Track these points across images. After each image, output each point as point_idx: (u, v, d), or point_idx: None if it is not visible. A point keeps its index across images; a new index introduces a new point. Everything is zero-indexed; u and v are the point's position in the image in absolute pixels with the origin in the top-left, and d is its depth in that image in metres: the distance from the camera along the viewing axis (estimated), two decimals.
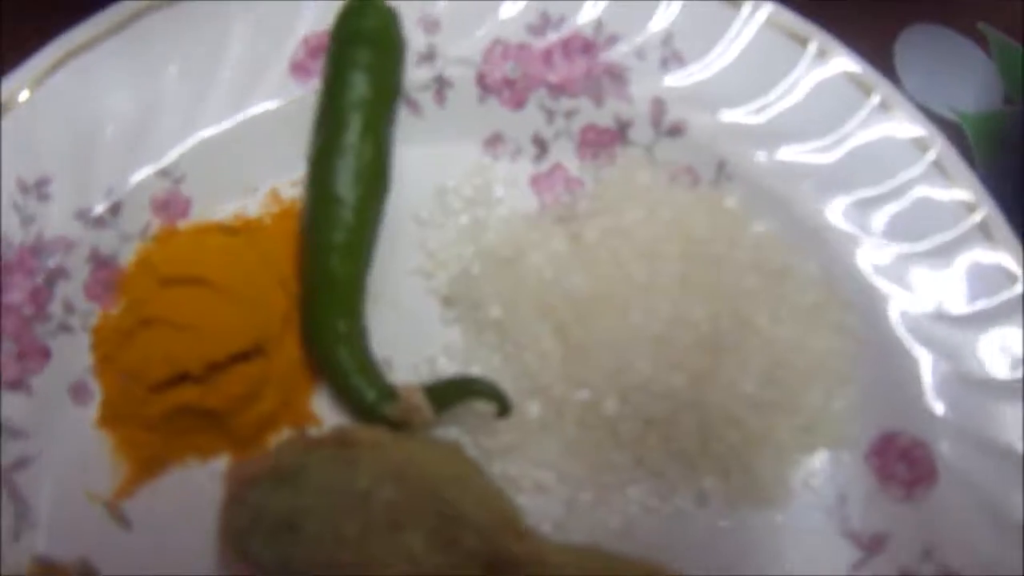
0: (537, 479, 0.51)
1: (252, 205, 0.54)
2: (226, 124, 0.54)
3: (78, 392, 0.52)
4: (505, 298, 0.52)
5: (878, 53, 0.65)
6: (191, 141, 0.53)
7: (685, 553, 0.52)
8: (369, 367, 0.50)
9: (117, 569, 0.51)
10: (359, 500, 0.44)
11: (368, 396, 0.49)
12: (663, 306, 0.51)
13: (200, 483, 0.51)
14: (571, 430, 0.51)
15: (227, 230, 0.53)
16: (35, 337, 0.52)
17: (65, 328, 0.52)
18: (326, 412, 0.52)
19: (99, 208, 0.52)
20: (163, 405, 0.50)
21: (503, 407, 0.50)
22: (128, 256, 0.53)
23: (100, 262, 0.53)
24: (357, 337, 0.50)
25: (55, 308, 0.52)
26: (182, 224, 0.54)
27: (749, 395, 0.51)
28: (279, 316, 0.51)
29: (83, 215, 0.52)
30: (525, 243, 0.53)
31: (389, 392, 0.49)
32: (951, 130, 0.65)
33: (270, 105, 0.54)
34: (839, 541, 0.54)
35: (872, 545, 0.54)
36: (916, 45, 0.65)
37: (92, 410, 0.52)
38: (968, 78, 0.66)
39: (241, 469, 0.46)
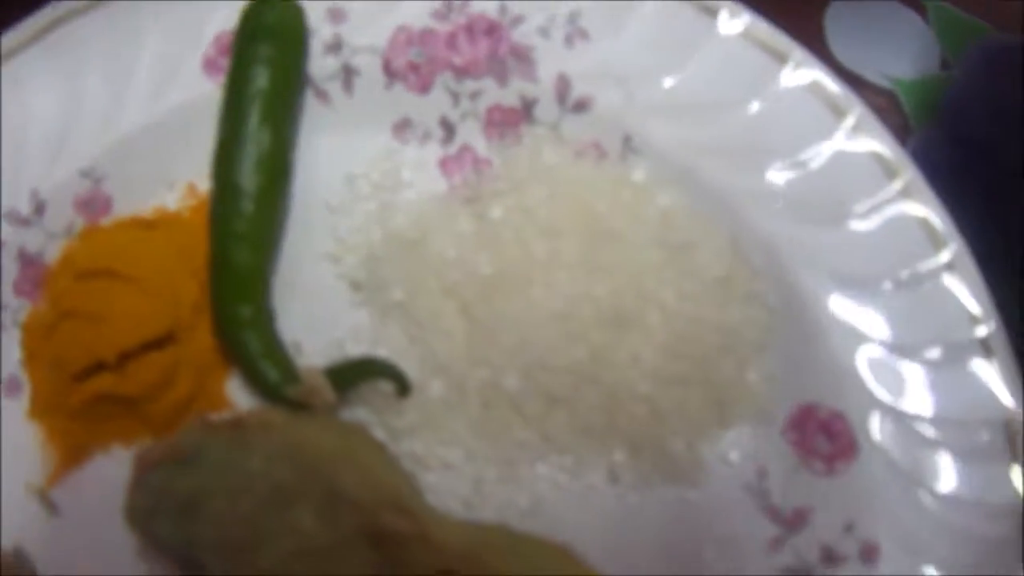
0: (443, 457, 0.51)
1: (171, 199, 0.55)
2: (143, 122, 0.55)
3: (11, 386, 0.54)
4: (409, 280, 0.52)
5: (807, 22, 0.63)
6: (110, 140, 0.55)
7: (596, 531, 0.51)
8: (274, 351, 0.51)
9: (47, 554, 0.53)
10: (252, 480, 0.45)
11: (272, 378, 0.50)
12: (564, 283, 0.50)
13: (123, 469, 0.52)
14: (475, 408, 0.51)
15: (144, 224, 0.54)
16: None
17: None
18: (240, 397, 0.53)
19: (25, 209, 0.54)
20: (84, 394, 0.51)
21: (403, 386, 0.50)
22: (54, 254, 0.55)
23: (27, 260, 0.54)
24: (262, 322, 0.51)
25: None
26: (104, 221, 0.55)
27: (654, 370, 0.50)
28: (191, 305, 0.52)
29: (11, 216, 0.54)
30: (431, 225, 0.53)
31: (292, 375, 0.50)
32: (886, 98, 0.63)
33: (185, 102, 0.55)
34: (758, 517, 0.52)
35: (793, 521, 0.52)
36: (847, 13, 0.64)
37: (24, 402, 0.54)
38: (903, 44, 0.64)
39: (146, 453, 0.47)
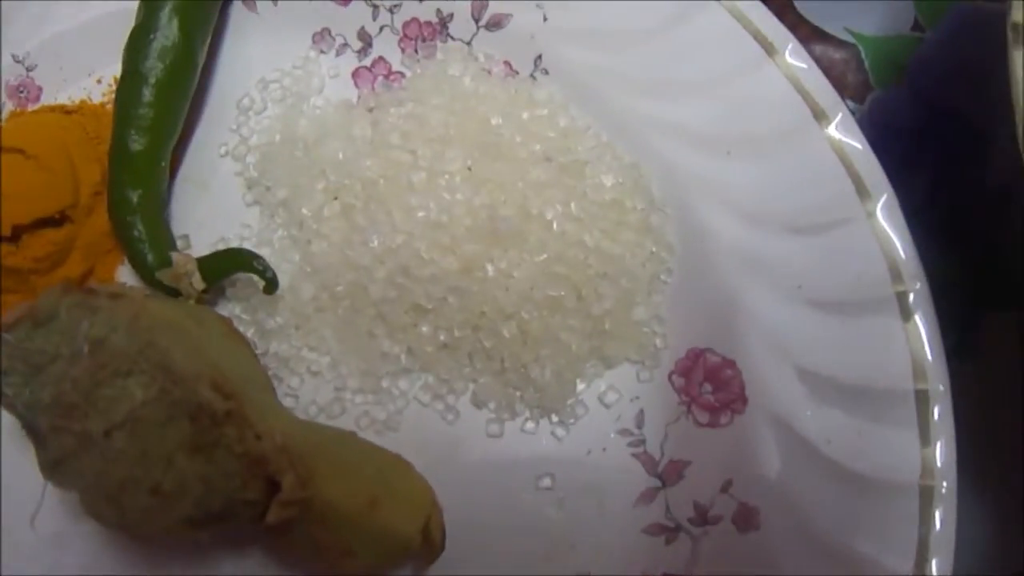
0: (309, 362, 0.49)
1: (97, 92, 0.56)
2: (76, 19, 0.55)
3: None
4: (296, 180, 0.50)
5: None
6: (44, 34, 0.55)
7: (451, 455, 0.48)
8: (157, 237, 0.50)
9: None
10: (91, 345, 0.44)
11: (148, 262, 0.49)
12: (444, 191, 0.47)
13: None
14: (342, 314, 0.48)
15: (64, 110, 0.54)
16: None
17: None
18: (131, 283, 0.52)
19: None
20: None
21: (269, 282, 0.48)
22: None
23: None
24: (150, 209, 0.50)
25: None
26: (32, 108, 0.56)
27: (527, 290, 0.46)
28: (91, 188, 0.52)
29: None
30: (328, 129, 0.51)
31: (167, 260, 0.49)
32: (847, 52, 0.58)
33: (117, 3, 0.55)
34: (631, 465, 0.47)
35: (667, 474, 0.47)
36: None
37: None
38: (874, 2, 0.58)
39: (10, 313, 0.47)
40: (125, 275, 0.52)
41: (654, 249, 0.48)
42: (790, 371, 0.46)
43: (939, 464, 0.44)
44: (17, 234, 0.51)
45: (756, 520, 0.45)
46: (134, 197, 0.50)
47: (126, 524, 0.44)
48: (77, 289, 0.46)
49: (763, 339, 0.46)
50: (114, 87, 0.55)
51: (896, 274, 0.46)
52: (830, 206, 0.47)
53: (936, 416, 0.45)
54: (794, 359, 0.46)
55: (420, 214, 0.47)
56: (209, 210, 0.52)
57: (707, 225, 0.48)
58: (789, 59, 0.49)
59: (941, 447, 0.44)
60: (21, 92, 0.56)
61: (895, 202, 0.47)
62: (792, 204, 0.48)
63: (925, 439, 0.44)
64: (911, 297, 0.46)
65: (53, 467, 0.45)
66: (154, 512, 0.43)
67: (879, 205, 0.47)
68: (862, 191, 0.47)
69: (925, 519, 0.44)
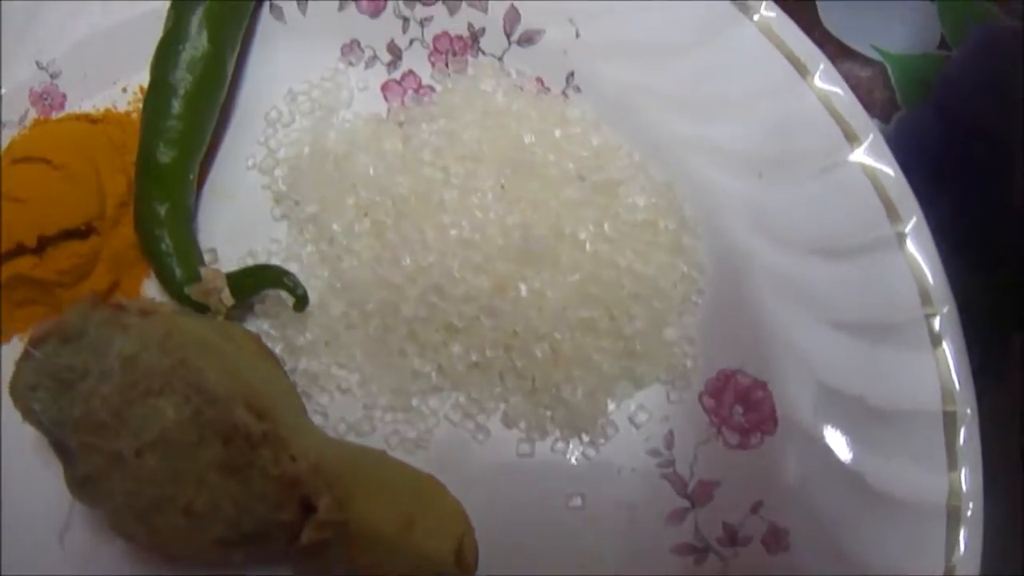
0: (338, 379, 0.48)
1: (122, 101, 0.55)
2: (102, 26, 0.54)
3: None
4: (326, 195, 0.49)
5: None
6: (69, 41, 0.54)
7: (481, 475, 0.47)
8: (185, 251, 0.49)
9: None
10: (122, 363, 0.43)
11: (176, 276, 0.48)
12: (476, 209, 0.47)
13: None
14: (373, 332, 0.47)
15: (89, 119, 0.53)
16: None
17: None
18: (157, 297, 0.51)
19: None
20: (1, 276, 0.50)
21: (299, 299, 0.47)
22: (5, 142, 0.54)
23: None
24: (178, 222, 0.49)
25: None
26: (56, 116, 0.54)
27: (560, 310, 0.46)
28: (117, 200, 0.51)
29: None
30: (358, 143, 0.50)
31: (196, 275, 0.48)
32: (873, 70, 0.57)
33: (144, 10, 0.54)
34: (660, 486, 0.47)
35: (697, 495, 0.47)
36: None
37: None
38: (901, 20, 0.58)
39: (38, 328, 0.46)
40: (151, 288, 0.51)
41: (686, 269, 0.47)
42: (821, 393, 0.46)
43: (965, 487, 0.44)
44: (42, 245, 0.50)
45: (786, 541, 0.45)
46: (161, 210, 0.49)
47: (156, 544, 0.43)
48: (106, 305, 0.45)
49: (794, 361, 0.46)
50: (139, 96, 0.54)
51: (926, 298, 0.46)
52: (860, 230, 0.47)
53: (963, 439, 0.45)
54: (824, 381, 0.46)
55: (452, 232, 0.46)
56: (236, 223, 0.51)
57: (739, 246, 0.48)
58: (820, 81, 0.49)
59: (967, 470, 0.44)
60: (45, 99, 0.54)
61: (924, 226, 0.47)
62: (823, 227, 0.47)
63: (952, 462, 0.44)
64: (939, 321, 0.46)
65: (82, 485, 0.45)
66: (185, 532, 0.42)
67: (909, 228, 0.47)
68: (892, 215, 0.47)
69: (951, 541, 0.44)
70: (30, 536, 0.49)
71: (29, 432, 0.49)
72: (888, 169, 0.48)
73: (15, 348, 0.52)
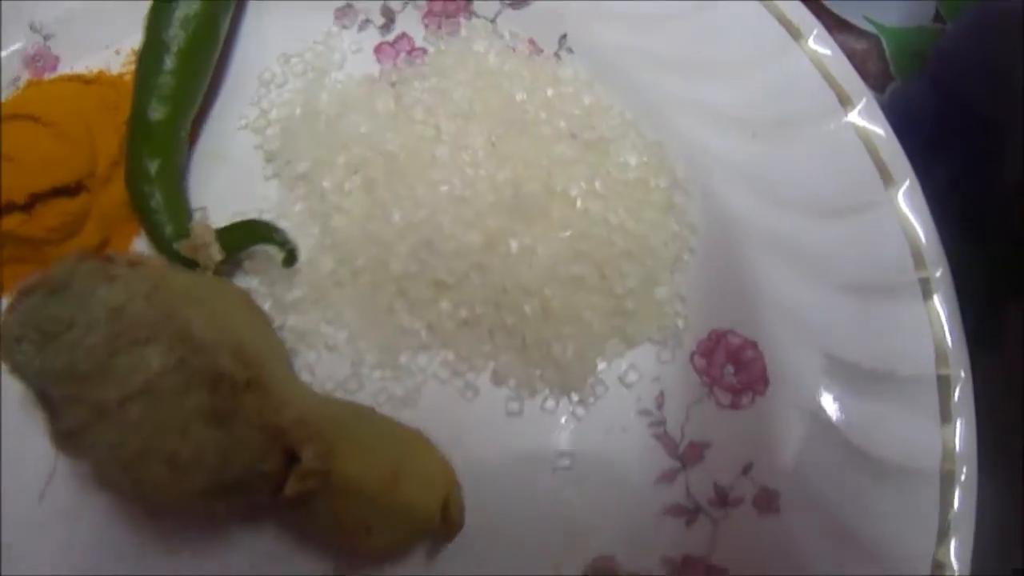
0: (326, 336, 0.48)
1: (115, 63, 0.54)
2: None
3: None
4: (317, 153, 0.49)
5: None
6: (63, 4, 0.54)
7: (469, 433, 0.46)
8: (175, 208, 0.48)
9: None
10: (108, 313, 0.42)
11: (166, 232, 0.47)
12: (467, 165, 0.46)
13: None
14: (362, 288, 0.47)
15: (82, 79, 0.53)
16: None
17: None
18: (147, 254, 0.50)
19: None
20: None
21: (288, 255, 0.47)
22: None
23: None
24: (168, 179, 0.49)
25: None
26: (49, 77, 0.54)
27: (550, 267, 0.45)
28: (109, 158, 0.51)
29: None
30: (350, 102, 0.50)
31: (186, 231, 0.47)
32: (868, 42, 0.57)
33: None
34: (652, 446, 0.46)
35: (688, 455, 0.46)
36: None
37: None
38: None
39: (25, 281, 0.45)
40: (141, 246, 0.51)
41: (677, 228, 0.47)
42: (812, 354, 0.45)
43: (959, 448, 0.43)
44: (31, 203, 0.49)
45: (776, 504, 0.44)
46: (152, 167, 0.48)
47: (141, 495, 0.42)
48: (94, 257, 0.44)
49: (785, 321, 0.46)
50: (132, 59, 0.54)
51: (919, 259, 0.45)
52: (853, 190, 0.46)
53: (957, 399, 0.44)
54: (816, 342, 0.45)
55: (443, 188, 0.46)
56: (227, 183, 0.51)
57: (731, 206, 0.47)
58: (814, 44, 0.48)
59: (961, 432, 0.43)
60: (38, 61, 0.54)
61: (918, 187, 0.46)
62: (816, 187, 0.47)
63: (946, 423, 0.44)
64: (933, 282, 0.45)
65: (66, 437, 0.44)
66: (169, 483, 0.42)
67: (902, 190, 0.46)
68: (885, 176, 0.47)
69: (945, 503, 0.43)
70: (16, 494, 0.49)
71: (11, 388, 0.49)
72: (880, 131, 0.47)
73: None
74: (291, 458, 0.41)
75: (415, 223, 0.46)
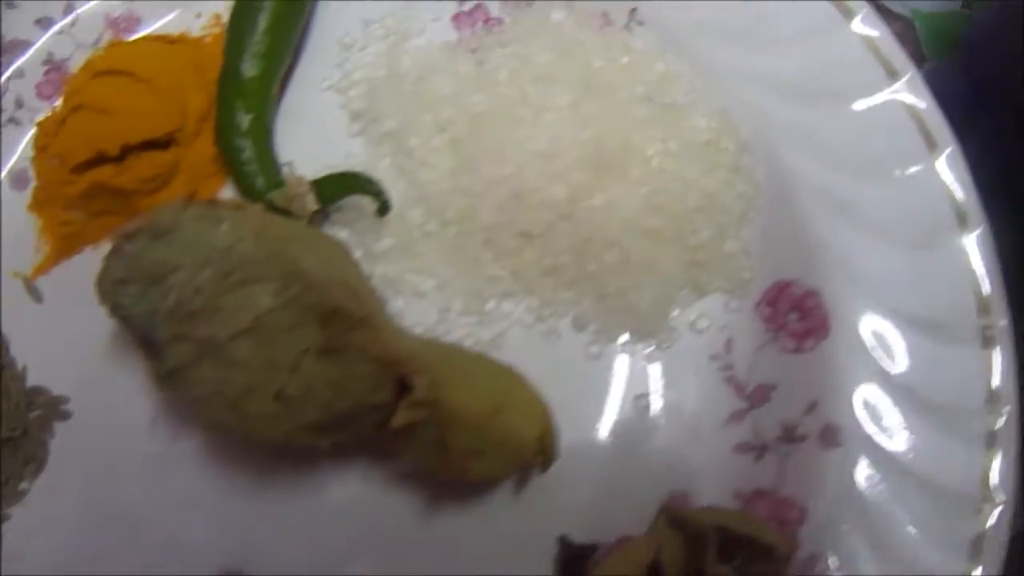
0: (415, 284, 0.50)
1: (196, 26, 0.56)
2: None
3: (17, 179, 0.54)
4: (404, 111, 0.51)
5: None
6: None
7: (551, 375, 0.48)
8: (264, 160, 0.50)
9: (28, 339, 0.52)
10: (217, 253, 0.43)
11: (259, 184, 0.49)
12: (551, 125, 0.49)
13: None
14: (451, 238, 0.49)
15: (166, 40, 0.54)
16: None
17: (14, 121, 0.55)
18: None
19: (58, 17, 0.55)
20: (82, 183, 0.50)
21: (382, 205, 0.49)
22: (78, 63, 0.55)
23: (53, 65, 0.55)
24: (259, 133, 0.50)
25: (7, 103, 0.55)
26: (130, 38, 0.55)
27: (630, 219, 0.48)
28: (197, 114, 0.52)
29: (43, 22, 0.54)
30: (434, 66, 0.52)
31: (279, 183, 0.49)
32: (902, 25, 0.61)
33: None
34: (722, 388, 0.49)
35: (756, 396, 0.49)
36: None
37: (27, 196, 0.54)
38: None
39: (125, 226, 0.46)
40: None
41: (744, 187, 0.50)
42: (869, 301, 0.48)
43: (999, 384, 0.47)
44: (123, 155, 0.50)
45: (838, 438, 0.47)
46: (244, 122, 0.50)
47: (246, 431, 0.44)
48: (200, 202, 0.46)
49: (844, 271, 0.49)
50: (213, 22, 0.56)
51: (961, 216, 0.49)
52: (900, 155, 0.50)
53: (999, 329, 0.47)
54: (872, 290, 0.48)
55: (529, 145, 0.48)
56: (312, 140, 0.53)
57: (791, 167, 0.50)
58: (862, 23, 0.52)
59: (1006, 365, 0.47)
60: (120, 23, 0.55)
61: (959, 154, 0.50)
62: (866, 151, 0.50)
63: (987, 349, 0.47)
64: (975, 239, 0.49)
65: (169, 377, 0.45)
66: (276, 418, 0.43)
67: (944, 155, 0.50)
68: (930, 142, 0.50)
69: (991, 440, 0.46)
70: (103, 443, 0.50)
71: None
72: (924, 103, 0.51)
73: (88, 258, 0.53)
74: (402, 389, 0.42)
75: (503, 177, 0.48)
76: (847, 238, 0.49)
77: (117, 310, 0.46)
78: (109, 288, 0.46)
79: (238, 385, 0.43)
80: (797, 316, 0.49)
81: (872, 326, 0.48)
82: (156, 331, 0.45)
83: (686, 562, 0.46)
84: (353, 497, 0.49)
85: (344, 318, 0.42)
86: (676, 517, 0.47)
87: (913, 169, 0.50)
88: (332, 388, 0.42)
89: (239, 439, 0.45)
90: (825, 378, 0.48)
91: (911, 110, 0.51)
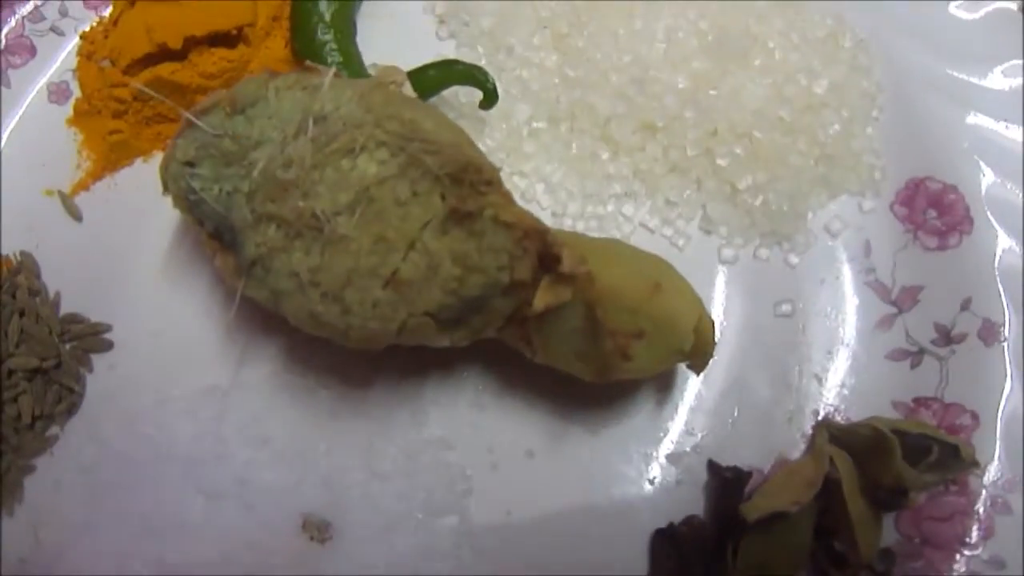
0: (523, 188, 0.44)
1: None
2: None
3: (57, 92, 0.47)
4: (500, 10, 0.46)
5: None
6: None
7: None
8: (348, 52, 0.44)
9: (61, 260, 0.44)
10: (315, 123, 0.37)
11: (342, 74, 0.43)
12: (667, 15, 0.45)
13: (149, 189, 0.44)
14: (562, 135, 0.44)
15: None
16: (23, 34, 0.47)
17: (56, 31, 0.48)
18: None
19: None
20: (139, 81, 0.44)
21: (489, 93, 0.43)
22: None
23: None
24: (342, 25, 0.45)
25: (49, 10, 0.48)
26: None
27: (755, 109, 0.43)
28: (269, 11, 0.47)
29: None
30: None
31: (362, 75, 0.43)
32: None
33: None
34: (865, 292, 0.44)
35: (902, 299, 0.44)
36: None
37: (67, 110, 0.47)
38: None
39: (202, 102, 0.39)
40: None
41: (865, 84, 0.46)
42: (1010, 188, 0.44)
43: None
44: (186, 51, 0.44)
45: (1000, 332, 0.42)
46: (327, 12, 0.45)
47: (346, 328, 0.36)
48: (290, 70, 0.39)
49: (977, 161, 0.45)
50: None
51: None
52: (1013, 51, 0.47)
53: None
54: (1009, 176, 0.45)
55: (645, 33, 0.44)
56: (398, 44, 0.48)
57: (911, 65, 0.47)
58: None
59: None
60: None
61: None
62: (982, 45, 0.48)
63: None
64: None
65: (250, 268, 0.37)
66: (391, 306, 0.36)
67: None
68: None
69: None
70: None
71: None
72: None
73: (136, 171, 0.46)
74: (543, 266, 0.36)
75: (621, 65, 0.43)
76: (982, 130, 0.46)
77: (181, 199, 0.39)
78: (176, 171, 0.39)
79: (339, 270, 0.36)
80: (936, 213, 0.45)
81: (1016, 212, 0.44)
82: (234, 216, 0.37)
83: (860, 476, 0.39)
84: (459, 429, 0.41)
85: (477, 173, 0.35)
86: (839, 432, 0.41)
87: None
88: (460, 264, 0.35)
89: (337, 339, 0.37)
90: (978, 272, 0.43)
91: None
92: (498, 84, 0.45)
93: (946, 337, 0.43)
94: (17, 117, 0.46)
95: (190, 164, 0.39)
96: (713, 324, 0.38)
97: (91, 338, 0.42)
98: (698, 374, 0.40)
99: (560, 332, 0.37)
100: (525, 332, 0.37)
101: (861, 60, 0.47)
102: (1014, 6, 0.48)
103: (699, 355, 0.38)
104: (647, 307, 0.36)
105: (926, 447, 0.39)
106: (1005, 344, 0.42)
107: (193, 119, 0.38)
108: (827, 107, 0.45)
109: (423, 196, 0.36)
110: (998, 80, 0.47)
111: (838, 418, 0.42)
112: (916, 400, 0.42)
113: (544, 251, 0.35)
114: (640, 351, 0.36)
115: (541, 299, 0.36)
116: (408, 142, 0.36)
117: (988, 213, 0.44)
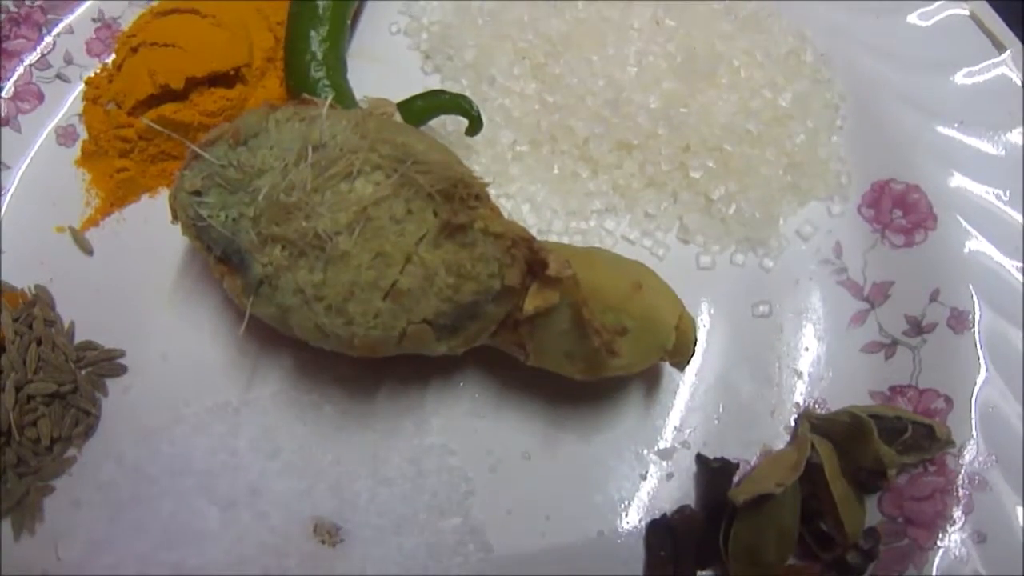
0: (507, 210, 0.47)
1: None
2: None
3: (65, 135, 0.51)
4: (481, 44, 0.50)
5: None
6: None
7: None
8: (340, 86, 0.48)
9: (74, 292, 0.47)
10: (314, 150, 0.40)
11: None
12: (636, 39, 0.49)
13: (157, 223, 0.47)
14: (545, 156, 0.47)
15: None
16: (31, 82, 0.51)
17: (62, 78, 0.52)
18: None
19: None
20: (146, 118, 0.47)
21: (474, 121, 0.46)
22: (129, 21, 0.53)
23: (104, 23, 0.53)
24: (334, 62, 0.49)
25: (55, 59, 0.52)
26: None
27: (725, 123, 0.47)
28: (263, 53, 0.50)
29: None
30: None
31: (355, 107, 0.47)
32: None
33: None
34: (838, 291, 0.47)
35: (874, 295, 0.47)
36: None
37: (74, 152, 0.50)
38: None
39: (207, 134, 0.43)
40: None
41: (828, 96, 0.50)
42: (968, 184, 0.48)
43: None
44: (186, 92, 0.48)
45: (968, 320, 0.45)
46: (320, 51, 0.48)
47: (349, 337, 0.39)
48: (288, 103, 0.43)
49: (938, 162, 0.49)
50: None
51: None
52: (966, 53, 0.51)
53: None
54: (968, 174, 0.48)
55: (617, 59, 0.48)
56: (386, 79, 0.51)
57: (868, 74, 0.51)
58: None
59: None
60: None
61: (1020, 54, 0.52)
62: (938, 52, 0.51)
63: None
64: None
65: (257, 288, 0.40)
66: (389, 316, 0.39)
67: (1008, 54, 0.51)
68: (997, 45, 0.52)
69: None
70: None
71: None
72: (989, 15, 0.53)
73: (143, 207, 0.49)
74: (532, 273, 0.39)
75: (596, 89, 0.47)
76: (935, 133, 0.49)
77: (190, 227, 0.42)
78: (184, 200, 0.42)
79: (342, 285, 0.39)
80: (902, 212, 0.48)
81: (978, 206, 0.48)
82: (240, 239, 0.41)
83: (841, 460, 0.42)
84: (459, 436, 0.43)
85: (466, 188, 0.39)
86: (819, 421, 0.44)
87: (981, 64, 0.51)
88: (454, 273, 0.38)
89: (342, 349, 0.40)
90: (943, 265, 0.47)
91: (973, 13, 0.52)
92: (482, 112, 0.49)
93: (917, 328, 0.46)
94: (28, 160, 0.49)
95: (197, 193, 0.42)
96: (693, 322, 0.41)
97: (105, 363, 0.45)
98: (682, 370, 0.43)
99: (550, 334, 0.40)
100: (517, 336, 0.40)
101: (823, 73, 0.51)
102: (964, 11, 0.53)
103: (681, 352, 0.41)
104: (629, 305, 0.40)
105: (902, 429, 0.42)
106: (974, 330, 0.45)
107: (199, 151, 0.42)
108: (792, 119, 0.49)
109: (417, 212, 0.39)
110: (953, 84, 0.50)
111: (818, 409, 0.45)
112: (892, 388, 0.45)
113: (531, 258, 0.39)
114: (625, 347, 0.39)
115: (531, 303, 0.39)
116: (401, 163, 0.39)
117: (951, 209, 0.48)
